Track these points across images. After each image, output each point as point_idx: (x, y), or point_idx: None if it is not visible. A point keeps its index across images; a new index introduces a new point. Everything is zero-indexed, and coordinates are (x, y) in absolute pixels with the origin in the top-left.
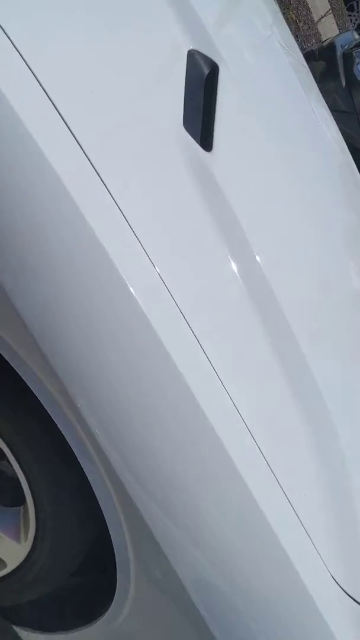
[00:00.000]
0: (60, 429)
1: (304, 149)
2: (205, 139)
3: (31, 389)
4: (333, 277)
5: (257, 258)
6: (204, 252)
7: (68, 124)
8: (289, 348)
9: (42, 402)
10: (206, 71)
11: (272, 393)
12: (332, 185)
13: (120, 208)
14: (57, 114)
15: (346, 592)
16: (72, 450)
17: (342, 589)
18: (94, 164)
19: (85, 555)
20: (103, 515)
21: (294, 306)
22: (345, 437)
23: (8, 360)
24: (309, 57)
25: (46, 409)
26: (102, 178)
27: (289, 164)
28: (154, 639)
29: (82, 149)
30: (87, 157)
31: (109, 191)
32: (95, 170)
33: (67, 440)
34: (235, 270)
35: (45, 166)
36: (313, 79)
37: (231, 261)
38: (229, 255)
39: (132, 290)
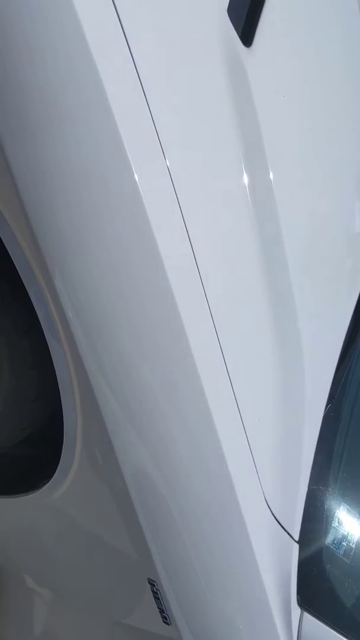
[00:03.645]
0: (37, 311)
1: (343, 75)
2: (246, 32)
3: (13, 259)
4: (336, 215)
5: (271, 175)
6: (219, 153)
7: None
8: (279, 269)
9: (21, 276)
10: None
11: (251, 310)
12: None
13: (142, 81)
14: None
15: (274, 515)
16: (40, 328)
17: (270, 510)
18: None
19: (35, 431)
20: (58, 397)
21: (294, 232)
22: (311, 378)
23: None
24: None
25: (26, 288)
26: (129, 44)
27: (325, 84)
28: (86, 521)
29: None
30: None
31: (132, 58)
32: (124, 34)
33: (40, 320)
34: (246, 180)
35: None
36: None
37: (244, 169)
38: (243, 163)
39: (136, 177)
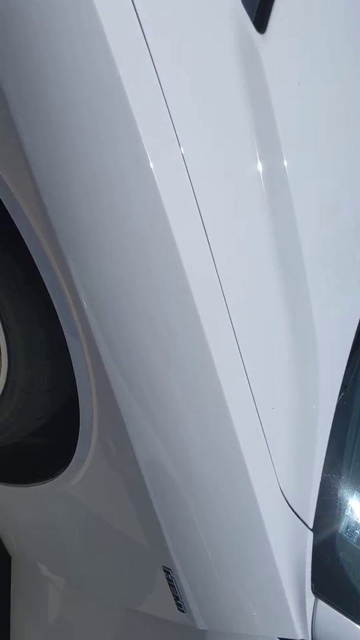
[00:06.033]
0: (53, 301)
1: (357, 62)
2: (260, 19)
3: (30, 251)
4: (346, 204)
5: (285, 162)
6: (233, 139)
7: None
8: (293, 258)
9: (38, 268)
10: None
11: (266, 300)
12: None
13: (157, 69)
14: None
15: (288, 503)
16: (57, 319)
17: (285, 498)
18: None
19: (50, 421)
20: (73, 386)
21: (307, 220)
22: (325, 367)
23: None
24: None
25: (42, 278)
26: (144, 30)
27: (338, 71)
28: (101, 510)
29: None
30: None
31: (147, 46)
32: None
33: (57, 310)
34: (260, 166)
35: None
36: None
37: (258, 157)
38: (257, 151)
39: (151, 165)
